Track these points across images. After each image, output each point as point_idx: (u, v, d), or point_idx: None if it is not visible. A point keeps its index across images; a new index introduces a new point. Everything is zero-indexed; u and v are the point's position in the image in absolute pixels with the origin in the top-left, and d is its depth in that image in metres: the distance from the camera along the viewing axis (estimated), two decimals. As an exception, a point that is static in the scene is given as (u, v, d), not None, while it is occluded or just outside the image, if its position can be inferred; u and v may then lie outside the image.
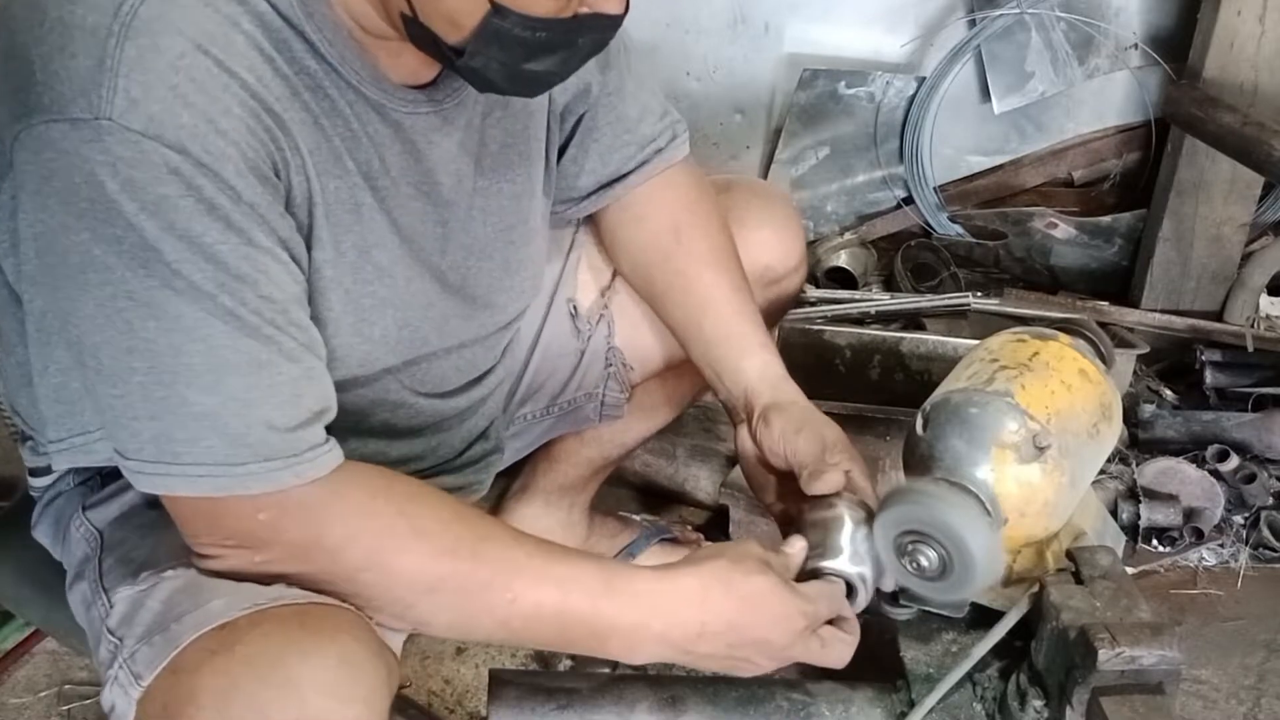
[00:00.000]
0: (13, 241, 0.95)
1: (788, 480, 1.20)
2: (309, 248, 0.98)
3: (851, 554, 1.09)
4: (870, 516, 1.10)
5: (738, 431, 1.25)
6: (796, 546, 1.09)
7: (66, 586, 1.09)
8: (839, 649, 1.06)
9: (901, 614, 1.15)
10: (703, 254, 1.30)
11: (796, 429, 1.18)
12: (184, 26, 0.85)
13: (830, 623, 1.07)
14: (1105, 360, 1.19)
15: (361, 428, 0.96)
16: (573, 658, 1.55)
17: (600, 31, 0.96)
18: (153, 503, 1.03)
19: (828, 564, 1.09)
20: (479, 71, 0.96)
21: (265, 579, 0.93)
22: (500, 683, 1.10)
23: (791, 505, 1.20)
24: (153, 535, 1.03)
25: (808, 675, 1.15)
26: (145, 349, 0.86)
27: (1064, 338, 1.14)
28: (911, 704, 1.11)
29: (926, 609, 1.17)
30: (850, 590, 1.09)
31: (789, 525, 1.19)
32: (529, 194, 1.21)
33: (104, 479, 1.11)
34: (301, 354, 0.92)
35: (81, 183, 0.83)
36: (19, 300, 1.01)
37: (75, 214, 0.84)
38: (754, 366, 1.25)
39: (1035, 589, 1.08)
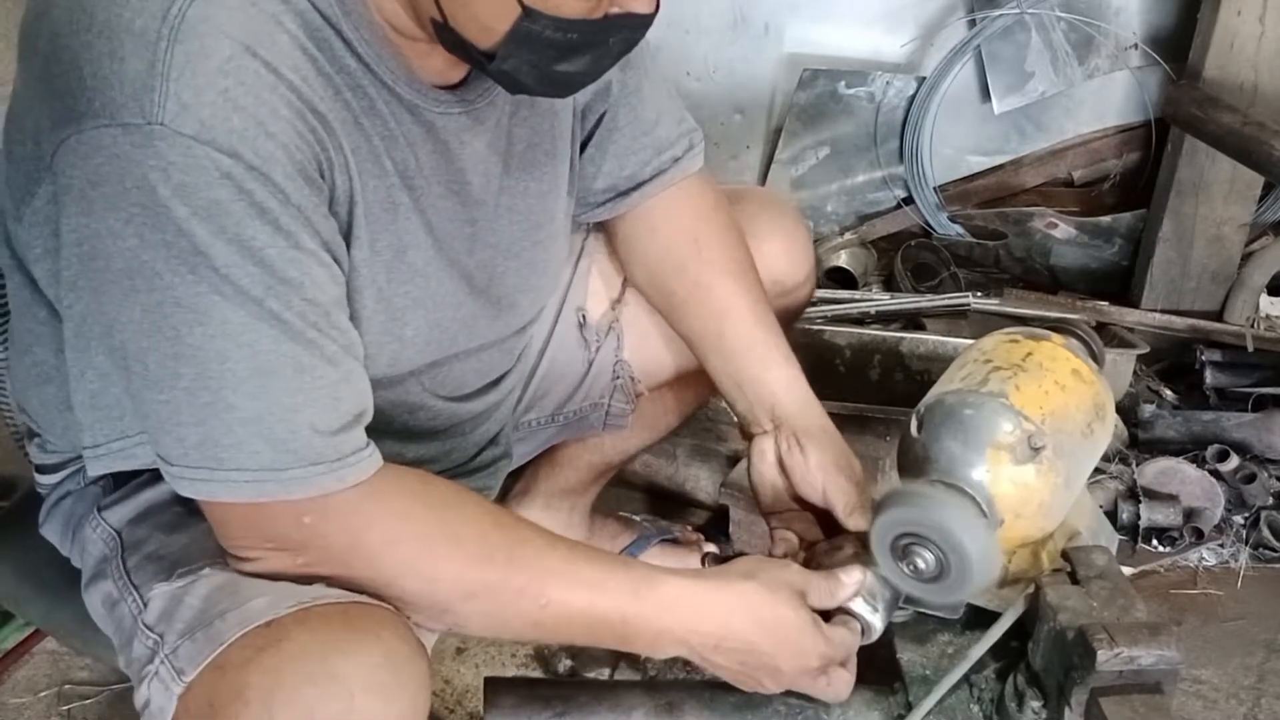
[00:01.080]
0: (46, 247, 0.95)
1: (808, 507, 1.21)
2: (348, 246, 0.98)
3: (877, 598, 1.09)
4: None
5: (756, 443, 1.25)
6: (853, 578, 1.08)
7: (82, 586, 1.09)
8: (840, 688, 1.08)
9: (898, 616, 1.15)
10: (722, 264, 1.29)
11: (835, 465, 1.19)
12: (230, 28, 0.85)
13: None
14: (1097, 360, 1.19)
15: (380, 429, 0.96)
16: (573, 657, 1.55)
17: (631, 31, 0.96)
18: (172, 501, 1.04)
19: (854, 604, 1.08)
20: (510, 75, 0.96)
21: (304, 580, 0.93)
22: (497, 690, 1.10)
23: (800, 523, 1.22)
24: (181, 533, 1.03)
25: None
26: (192, 355, 0.86)
27: (1057, 338, 1.14)
28: (909, 706, 1.12)
29: (922, 610, 1.17)
30: (862, 631, 1.10)
31: (810, 551, 1.20)
32: (555, 192, 1.21)
33: (116, 479, 1.11)
34: (341, 358, 0.93)
35: (132, 188, 0.83)
36: (43, 304, 1.02)
37: (123, 219, 0.84)
38: (779, 380, 1.25)
39: (1031, 590, 1.08)
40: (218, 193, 0.84)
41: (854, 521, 1.16)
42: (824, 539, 1.20)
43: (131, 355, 0.88)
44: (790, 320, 1.52)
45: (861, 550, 1.12)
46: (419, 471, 0.99)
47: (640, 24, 0.96)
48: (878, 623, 1.10)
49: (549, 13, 0.89)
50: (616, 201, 1.30)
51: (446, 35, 0.94)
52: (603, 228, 1.38)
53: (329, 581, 0.94)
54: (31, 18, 0.91)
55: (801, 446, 1.21)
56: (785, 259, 1.43)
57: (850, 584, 1.08)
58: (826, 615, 1.09)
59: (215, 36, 0.84)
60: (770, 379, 1.25)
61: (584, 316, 1.42)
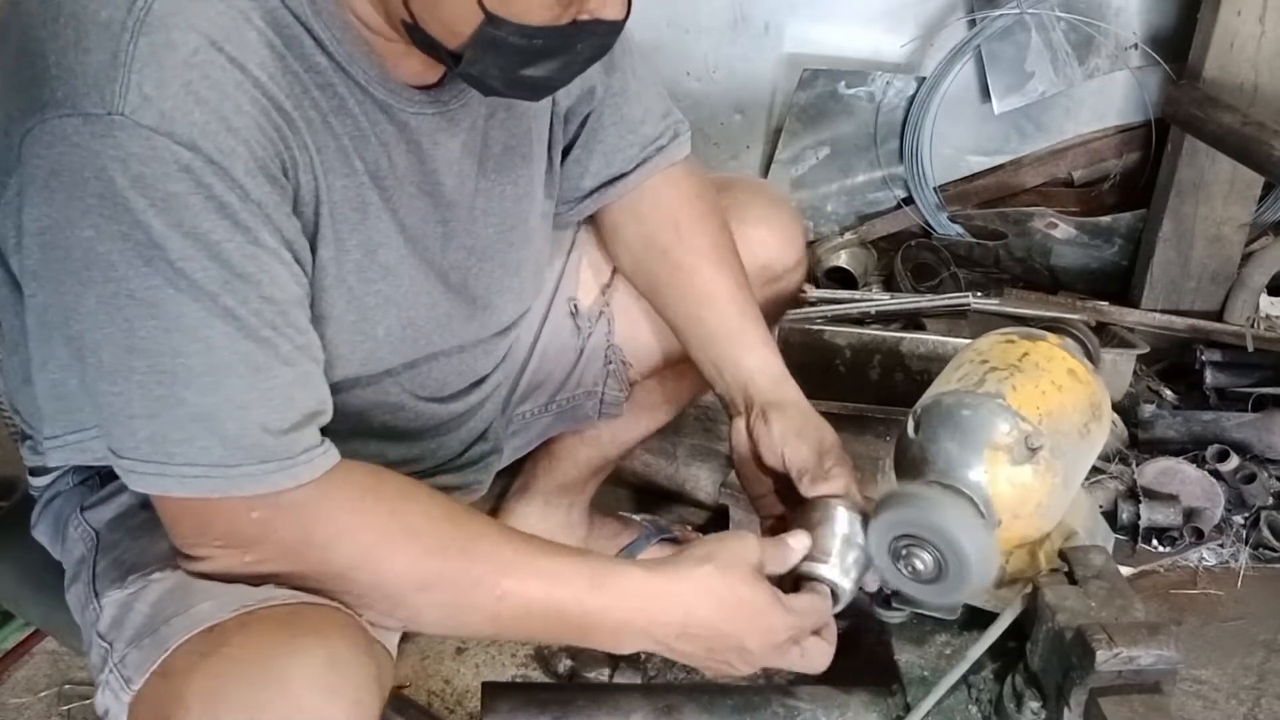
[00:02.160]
0: (18, 238, 0.95)
1: (780, 479, 1.21)
2: (314, 246, 0.98)
3: (839, 560, 1.09)
4: (862, 522, 1.09)
5: (733, 425, 1.26)
6: (800, 542, 1.09)
7: (65, 586, 1.09)
8: (817, 657, 1.07)
9: (894, 617, 1.16)
10: (704, 249, 1.30)
11: (797, 431, 1.18)
12: (197, 22, 0.85)
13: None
14: (1092, 359, 1.19)
15: (362, 429, 0.96)
16: (573, 657, 1.55)
17: (600, 37, 0.96)
18: (145, 504, 1.03)
19: (816, 568, 1.08)
20: (478, 77, 0.96)
21: (255, 579, 0.93)
22: (494, 695, 1.10)
23: (782, 504, 1.21)
24: (143, 538, 1.03)
25: (802, 681, 1.15)
26: (145, 348, 0.86)
27: (1052, 338, 1.14)
28: (907, 708, 1.12)
29: (919, 611, 1.17)
30: (833, 596, 1.09)
31: (779, 522, 1.19)
32: (529, 195, 1.21)
33: (103, 479, 1.11)
34: (297, 358, 0.92)
35: (91, 178, 0.83)
36: (21, 297, 1.01)
37: (82, 209, 0.84)
38: (754, 362, 1.25)
39: (1029, 590, 1.08)
40: (176, 185, 0.84)
41: (813, 489, 1.14)
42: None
43: (87, 346, 0.88)
44: (781, 308, 1.53)
45: (816, 516, 1.11)
46: (370, 466, 0.98)
47: (609, 30, 0.96)
48: (846, 584, 1.09)
49: (512, 19, 0.89)
50: (600, 193, 1.31)
51: (417, 35, 0.94)
52: (590, 217, 1.39)
53: (280, 580, 0.93)
54: (6, 10, 0.91)
55: (766, 418, 1.20)
56: (774, 245, 1.44)
57: (797, 548, 1.08)
58: (796, 585, 1.08)
59: (181, 30, 0.84)
60: (747, 362, 1.25)
61: (575, 306, 1.42)
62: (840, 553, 1.09)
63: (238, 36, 0.87)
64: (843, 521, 1.10)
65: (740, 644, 1.03)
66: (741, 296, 1.28)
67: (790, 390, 1.24)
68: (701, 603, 1.01)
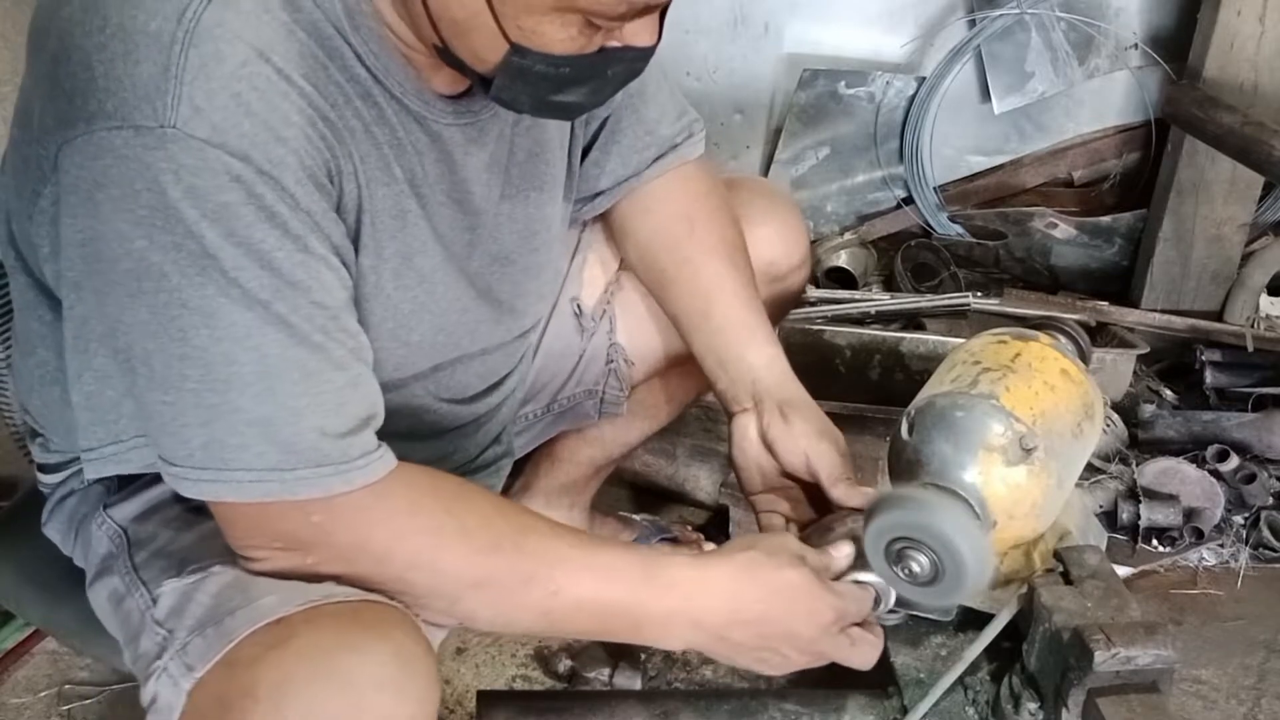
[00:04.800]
0: (54, 247, 0.95)
1: (793, 479, 1.21)
2: (355, 253, 0.99)
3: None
4: None
5: (736, 421, 1.25)
6: (844, 551, 1.09)
7: (87, 583, 1.09)
8: (866, 650, 1.07)
9: (890, 619, 1.15)
10: (712, 245, 1.30)
11: (819, 433, 1.19)
12: (244, 33, 0.85)
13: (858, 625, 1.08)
14: (1084, 358, 1.19)
15: (387, 430, 0.97)
16: (573, 657, 1.55)
17: (630, 63, 0.96)
18: (177, 498, 1.04)
19: (862, 576, 1.08)
20: (508, 102, 0.97)
21: (313, 579, 0.94)
22: (490, 703, 1.10)
23: (786, 503, 1.21)
24: (190, 530, 1.03)
25: (799, 684, 1.15)
26: (198, 357, 0.86)
27: (1044, 337, 1.14)
28: (904, 710, 1.12)
29: (915, 613, 1.17)
30: (875, 601, 1.09)
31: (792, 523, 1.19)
32: (551, 200, 1.22)
33: (121, 477, 1.11)
34: (349, 361, 0.93)
35: (143, 189, 0.83)
36: (48, 304, 1.02)
37: (132, 221, 0.84)
38: (761, 359, 1.25)
39: (1024, 590, 1.08)
40: (228, 196, 0.84)
41: (838, 491, 1.15)
42: (814, 517, 1.19)
43: (137, 357, 0.88)
44: (785, 308, 1.53)
45: (853, 527, 1.11)
46: (426, 468, 0.99)
47: (640, 56, 0.96)
48: (884, 588, 1.08)
49: (537, 49, 0.90)
50: (615, 191, 1.32)
51: (447, 57, 0.95)
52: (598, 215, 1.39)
53: (338, 580, 0.94)
54: (42, 17, 0.92)
55: (785, 416, 1.20)
56: (778, 244, 1.44)
57: (841, 558, 1.08)
58: None
59: (229, 41, 0.84)
60: (751, 357, 1.25)
61: (579, 306, 1.42)
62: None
63: (283, 47, 0.88)
64: None
65: (789, 628, 1.03)
66: (747, 293, 1.28)
67: (800, 389, 1.24)
68: (747, 586, 1.02)
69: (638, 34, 0.93)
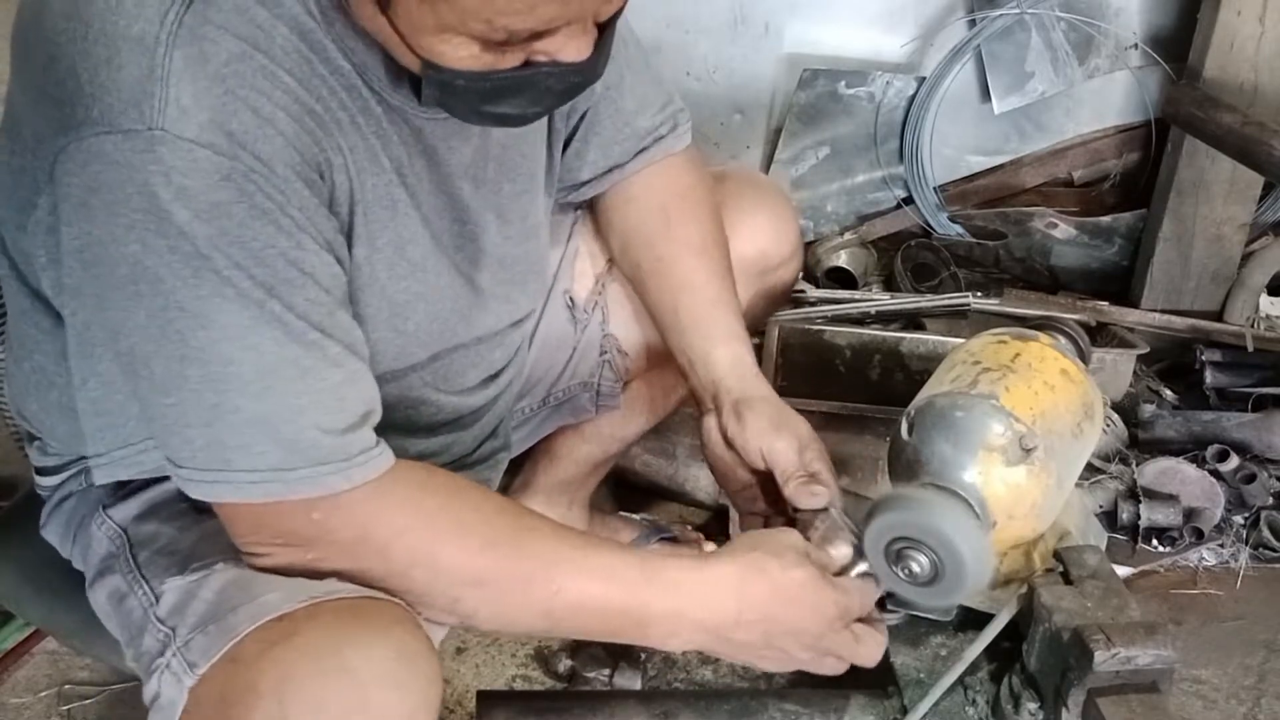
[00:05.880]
0: (51, 256, 0.95)
1: (759, 475, 1.21)
2: (349, 245, 0.99)
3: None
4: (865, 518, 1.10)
5: (704, 421, 1.25)
6: (842, 550, 1.09)
7: (87, 583, 1.10)
8: (871, 646, 1.07)
9: (889, 619, 1.15)
10: (688, 240, 1.30)
11: (772, 426, 1.18)
12: (228, 32, 0.86)
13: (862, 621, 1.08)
14: (1084, 358, 1.19)
15: (384, 424, 0.97)
16: (572, 657, 1.55)
17: (564, 78, 0.93)
18: (178, 497, 1.04)
19: (861, 567, 1.08)
20: (448, 109, 0.96)
21: (315, 575, 0.94)
22: (490, 703, 1.10)
23: (764, 498, 1.21)
24: (193, 528, 1.04)
25: (799, 684, 1.15)
26: (197, 358, 0.87)
27: (1044, 338, 1.14)
28: (904, 710, 1.12)
29: (915, 613, 1.17)
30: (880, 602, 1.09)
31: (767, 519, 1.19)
32: (532, 191, 1.22)
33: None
34: (345, 358, 0.93)
35: (134, 193, 0.83)
36: (45, 311, 1.03)
37: (125, 225, 0.84)
38: (725, 357, 1.25)
39: (1024, 590, 1.08)
40: (219, 195, 0.84)
41: (789, 490, 1.14)
42: (787, 516, 1.19)
43: (138, 360, 0.89)
44: (776, 302, 1.53)
45: (833, 521, 1.11)
46: (423, 464, 1.00)
47: (574, 71, 0.91)
48: (884, 576, 1.08)
49: (447, 66, 0.88)
50: (599, 181, 1.32)
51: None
52: (587, 207, 1.39)
53: (340, 576, 0.94)
54: (24, 24, 0.91)
55: (739, 415, 1.20)
56: (768, 235, 1.44)
57: (838, 556, 1.09)
58: None
59: (213, 40, 0.84)
60: (717, 356, 1.25)
61: (571, 299, 1.43)
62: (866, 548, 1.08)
63: (267, 43, 0.88)
64: (844, 522, 1.10)
65: (796, 625, 1.03)
66: (718, 288, 1.28)
67: (760, 385, 1.24)
68: (753, 585, 1.02)
69: (562, 49, 0.89)
